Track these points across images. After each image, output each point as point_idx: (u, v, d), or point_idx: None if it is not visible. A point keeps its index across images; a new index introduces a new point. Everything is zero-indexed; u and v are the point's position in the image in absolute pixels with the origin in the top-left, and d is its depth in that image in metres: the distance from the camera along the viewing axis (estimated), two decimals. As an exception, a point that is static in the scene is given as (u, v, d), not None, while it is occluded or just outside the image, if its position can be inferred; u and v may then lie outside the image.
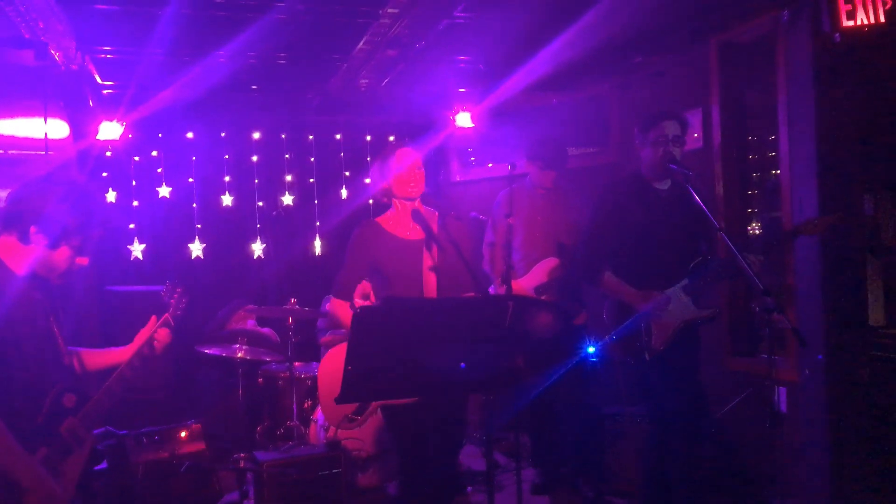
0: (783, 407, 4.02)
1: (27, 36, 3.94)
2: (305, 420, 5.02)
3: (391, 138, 6.77)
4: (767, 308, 3.01)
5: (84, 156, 5.53)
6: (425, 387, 2.58)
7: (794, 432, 4.01)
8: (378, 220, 3.39)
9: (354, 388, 2.43)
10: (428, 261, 3.22)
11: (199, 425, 4.16)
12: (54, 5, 3.82)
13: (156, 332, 2.73)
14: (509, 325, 2.51)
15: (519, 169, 4.50)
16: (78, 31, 4.32)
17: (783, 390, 4.04)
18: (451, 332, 2.50)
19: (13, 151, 3.70)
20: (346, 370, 2.42)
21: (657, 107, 5.13)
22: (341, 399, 2.46)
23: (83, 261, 2.46)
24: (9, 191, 2.41)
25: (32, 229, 2.34)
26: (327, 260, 6.55)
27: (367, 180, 6.60)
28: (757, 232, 4.75)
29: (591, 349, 4.29)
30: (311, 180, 6.65)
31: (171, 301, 2.83)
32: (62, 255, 2.40)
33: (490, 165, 6.83)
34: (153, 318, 2.77)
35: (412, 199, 3.29)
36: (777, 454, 3.39)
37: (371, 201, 6.49)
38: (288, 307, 5.07)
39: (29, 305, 2.36)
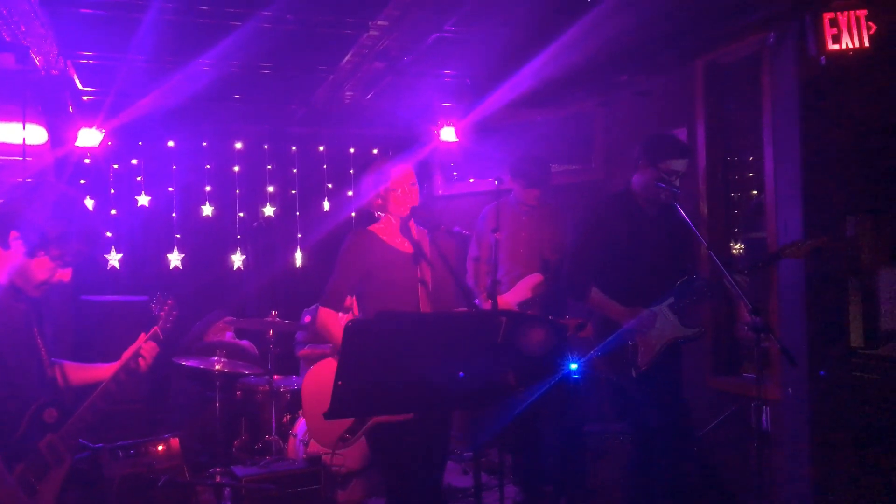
0: (766, 425, 4.03)
1: (8, 39, 3.87)
2: (284, 434, 4.94)
3: (375, 151, 6.74)
4: (756, 327, 3.02)
5: (62, 162, 5.43)
6: (417, 402, 2.54)
7: (777, 450, 4.02)
8: (371, 228, 3.31)
9: (345, 403, 2.38)
10: (420, 274, 3.18)
11: (176, 439, 4.06)
12: (37, 8, 3.75)
13: (143, 345, 2.66)
14: (502, 340, 2.49)
15: (504, 184, 4.50)
16: (60, 36, 4.24)
17: (766, 409, 4.06)
18: (443, 346, 2.47)
19: (-9, 156, 3.61)
20: (336, 384, 2.37)
21: (643, 126, 5.22)
22: (331, 414, 2.41)
23: (65, 275, 2.37)
24: None
25: (13, 234, 2.26)
26: (308, 272, 6.48)
27: (350, 193, 6.58)
28: (741, 251, 4.79)
29: (573, 366, 4.27)
30: (294, 192, 6.59)
31: (161, 314, 2.76)
32: (40, 265, 2.31)
33: (472, 180, 6.83)
34: (142, 334, 2.70)
35: (404, 216, 3.24)
36: (759, 472, 3.38)
37: (354, 214, 6.45)
38: (268, 319, 5.00)
39: (12, 315, 2.28)
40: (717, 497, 4.31)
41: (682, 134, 4.81)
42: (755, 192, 4.67)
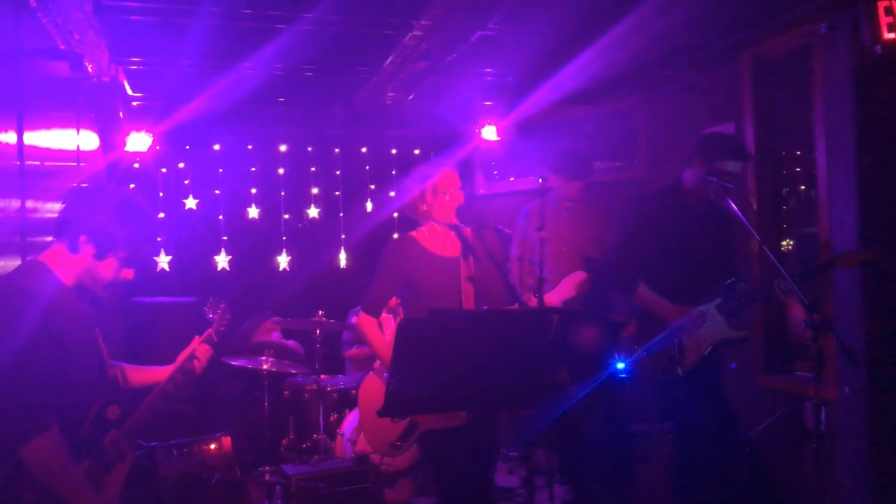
0: (823, 426, 3.95)
1: (63, 48, 3.96)
2: (331, 433, 4.99)
3: (416, 152, 6.77)
4: (814, 325, 2.95)
5: (113, 167, 5.56)
6: (469, 399, 2.54)
7: (834, 451, 3.93)
8: (413, 234, 3.30)
9: (398, 401, 2.39)
10: (465, 274, 3.17)
11: (228, 438, 4.13)
12: (91, 17, 3.85)
13: (198, 348, 2.72)
14: (554, 337, 2.48)
15: (547, 182, 4.48)
16: (112, 43, 4.34)
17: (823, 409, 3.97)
18: (495, 344, 2.47)
19: (48, 163, 3.70)
20: (389, 383, 2.39)
21: (688, 122, 5.14)
22: (384, 413, 2.43)
23: (129, 274, 2.44)
24: (62, 202, 2.40)
25: (82, 238, 2.33)
26: (352, 273, 6.55)
27: (392, 193, 6.61)
28: (789, 247, 4.70)
29: (620, 365, 4.23)
30: (337, 193, 6.67)
31: (215, 317, 2.82)
32: (109, 266, 2.38)
33: (512, 179, 6.81)
34: (196, 336, 2.76)
35: (451, 223, 3.22)
36: (819, 474, 3.31)
37: (396, 214, 6.48)
38: (315, 319, 5.04)
39: (77, 316, 2.34)
40: (770, 499, 4.22)
41: (729, 129, 4.73)
42: (802, 188, 4.58)
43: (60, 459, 2.17)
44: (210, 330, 2.80)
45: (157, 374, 2.71)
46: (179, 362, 2.71)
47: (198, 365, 2.73)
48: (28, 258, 2.44)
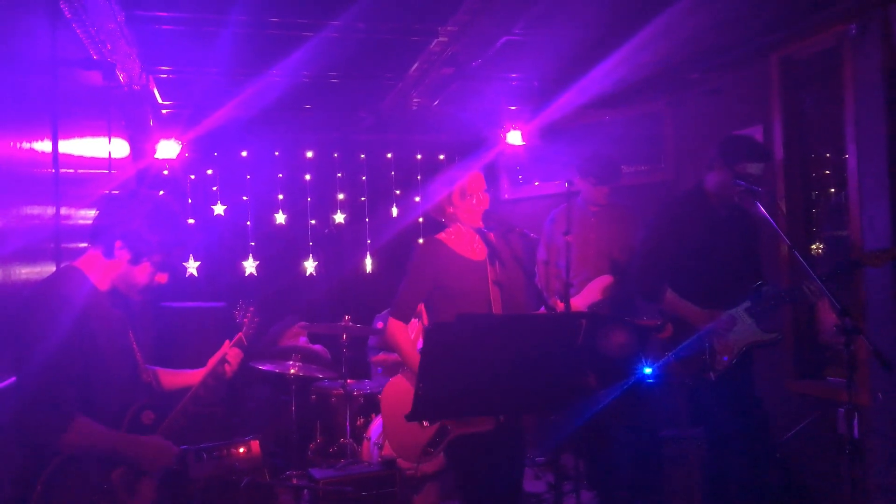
0: (855, 432, 3.88)
1: (96, 57, 4.04)
2: (358, 437, 5.01)
3: (441, 157, 6.79)
4: (846, 329, 2.91)
5: (143, 174, 5.65)
6: (498, 404, 2.54)
7: (866, 458, 3.87)
8: (440, 237, 3.30)
9: (427, 405, 2.40)
10: (492, 278, 3.17)
11: (256, 442, 4.16)
12: (123, 26, 3.92)
13: (228, 351, 2.76)
14: (582, 342, 2.47)
15: (574, 185, 4.47)
16: (143, 52, 4.42)
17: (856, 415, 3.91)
18: (523, 349, 2.47)
19: (81, 171, 3.77)
20: (417, 387, 2.40)
21: (715, 125, 5.11)
22: (412, 417, 2.44)
23: (163, 278, 2.48)
24: (96, 208, 2.45)
25: (117, 244, 2.37)
26: (377, 278, 6.58)
27: (417, 198, 6.64)
28: (819, 250, 4.64)
29: (647, 370, 4.20)
30: (363, 199, 6.71)
31: (245, 321, 2.85)
32: (144, 271, 2.42)
33: (536, 184, 6.80)
34: (227, 341, 2.80)
35: (477, 226, 3.22)
36: (853, 482, 3.26)
37: (421, 220, 6.50)
38: (342, 324, 5.07)
39: (110, 321, 2.38)
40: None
41: (757, 132, 4.69)
42: (832, 190, 4.53)
43: (96, 435, 2.22)
44: (240, 334, 2.84)
45: (190, 377, 2.75)
46: (211, 366, 2.75)
47: (229, 369, 2.76)
48: (63, 264, 2.49)
